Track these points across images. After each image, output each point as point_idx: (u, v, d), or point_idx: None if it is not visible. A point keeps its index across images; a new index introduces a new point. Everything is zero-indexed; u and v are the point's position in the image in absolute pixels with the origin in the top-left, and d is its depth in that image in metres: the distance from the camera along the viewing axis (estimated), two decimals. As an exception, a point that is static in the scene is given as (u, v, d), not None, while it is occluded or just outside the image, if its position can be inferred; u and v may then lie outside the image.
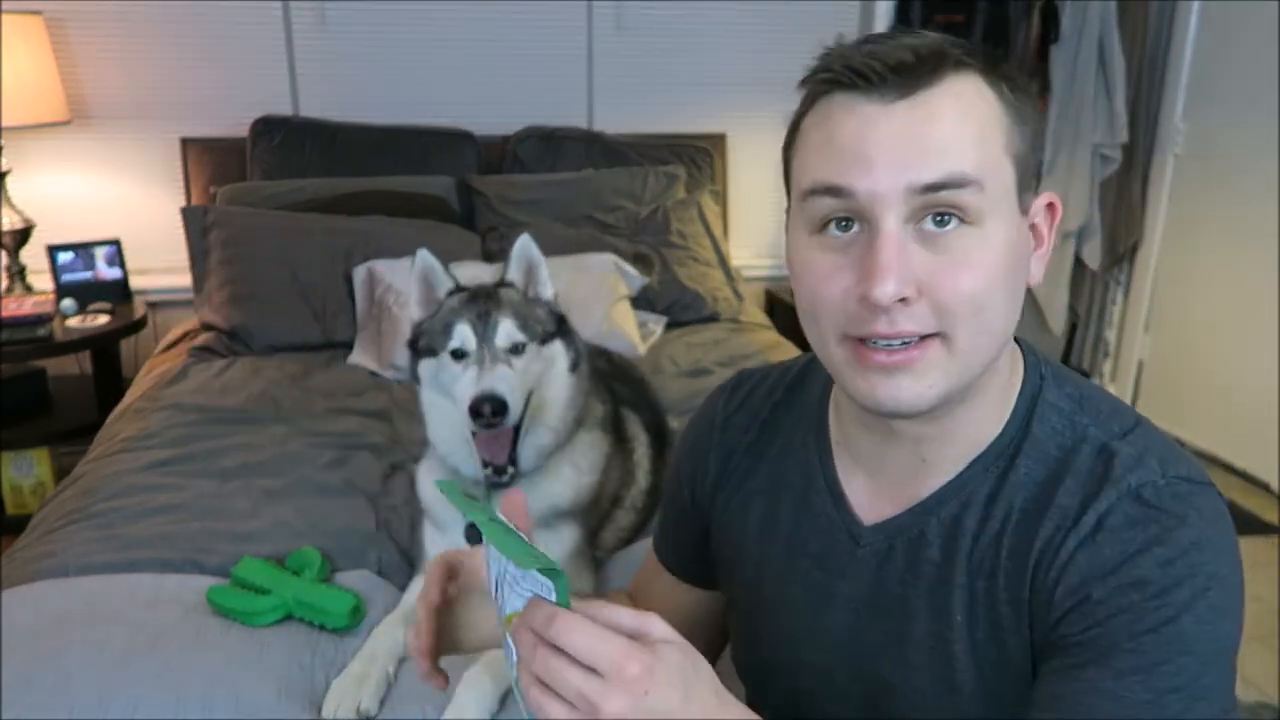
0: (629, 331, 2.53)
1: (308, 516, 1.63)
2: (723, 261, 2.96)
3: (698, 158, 3.17)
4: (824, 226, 0.70)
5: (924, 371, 0.69)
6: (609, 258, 2.64)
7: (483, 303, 1.38)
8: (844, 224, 0.69)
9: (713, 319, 2.80)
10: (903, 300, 0.66)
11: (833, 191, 0.68)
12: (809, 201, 0.70)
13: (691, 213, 2.96)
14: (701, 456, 0.93)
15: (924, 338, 0.68)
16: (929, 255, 0.67)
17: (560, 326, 1.45)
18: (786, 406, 0.90)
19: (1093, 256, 3.48)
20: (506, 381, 1.32)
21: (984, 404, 0.75)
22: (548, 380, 1.41)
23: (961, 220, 0.67)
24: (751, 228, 3.42)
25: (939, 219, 0.67)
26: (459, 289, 1.42)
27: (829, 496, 0.83)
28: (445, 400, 1.39)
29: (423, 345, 1.41)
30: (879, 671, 0.79)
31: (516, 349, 1.36)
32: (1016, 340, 0.79)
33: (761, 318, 2.97)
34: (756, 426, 0.90)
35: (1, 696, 1.16)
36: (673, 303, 2.77)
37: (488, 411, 1.28)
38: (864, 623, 0.80)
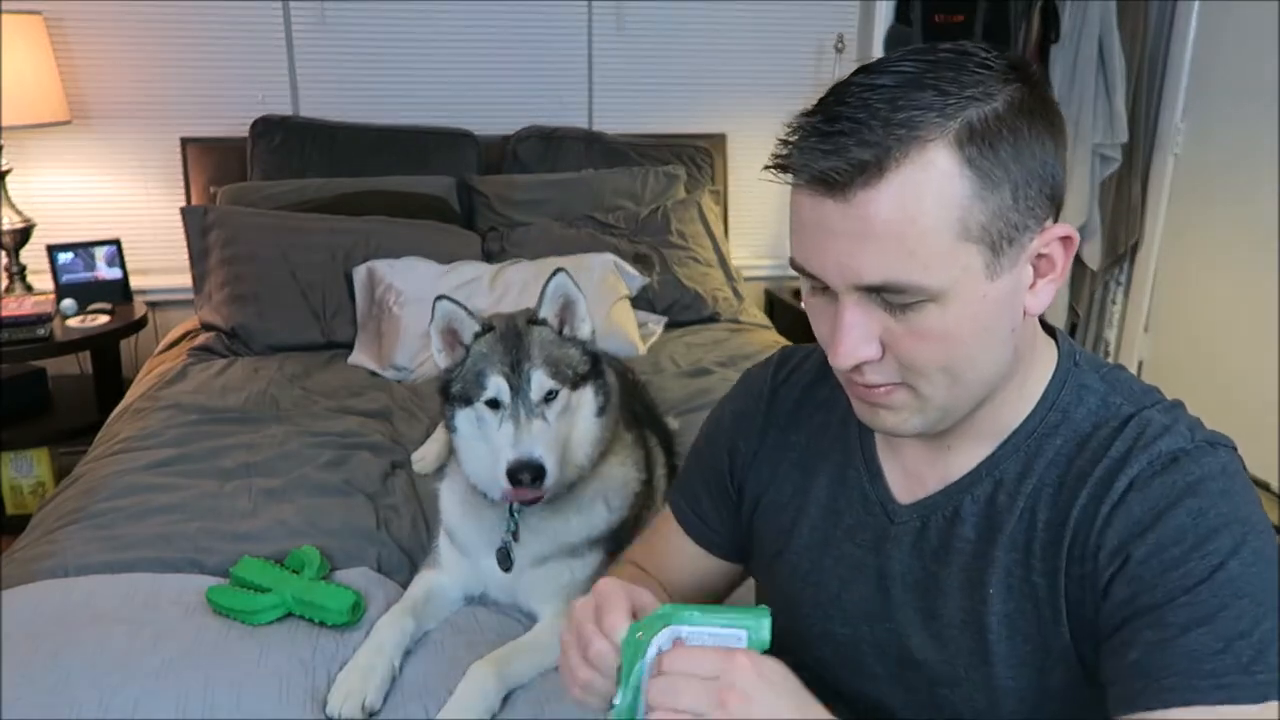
0: (629, 331, 2.52)
1: (307, 516, 1.63)
2: (723, 261, 2.96)
3: (698, 158, 3.18)
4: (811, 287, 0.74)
5: (897, 409, 0.74)
6: (609, 258, 2.64)
7: (514, 349, 1.33)
8: (824, 288, 0.72)
9: (713, 319, 2.80)
10: (866, 360, 0.71)
11: (802, 270, 0.72)
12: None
13: (691, 213, 2.97)
14: (747, 425, 0.94)
15: (893, 384, 0.72)
16: (892, 321, 0.69)
17: (593, 366, 1.41)
18: (823, 385, 0.91)
19: (1093, 256, 3.47)
20: (543, 442, 1.29)
21: (1003, 399, 0.77)
22: (575, 423, 1.38)
23: (919, 299, 0.68)
24: (751, 228, 3.43)
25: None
26: (487, 329, 1.37)
27: (866, 472, 0.85)
28: (480, 442, 1.36)
29: (456, 392, 1.37)
30: (907, 647, 0.80)
31: (549, 396, 1.33)
32: (1050, 329, 0.81)
33: (761, 318, 2.97)
34: (794, 400, 0.92)
35: (1, 696, 1.16)
36: (673, 303, 2.77)
37: (527, 479, 1.26)
38: (893, 598, 0.82)
